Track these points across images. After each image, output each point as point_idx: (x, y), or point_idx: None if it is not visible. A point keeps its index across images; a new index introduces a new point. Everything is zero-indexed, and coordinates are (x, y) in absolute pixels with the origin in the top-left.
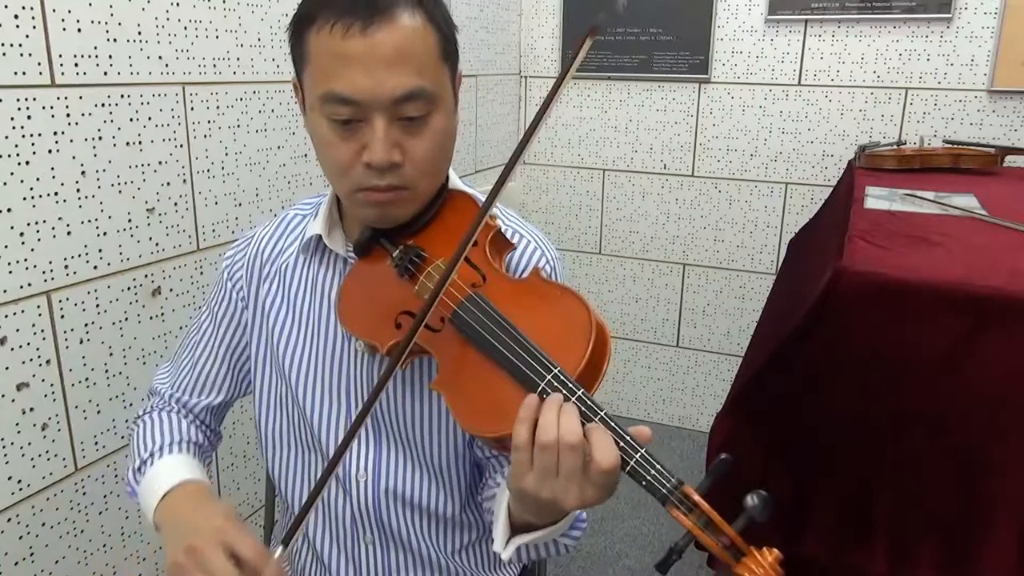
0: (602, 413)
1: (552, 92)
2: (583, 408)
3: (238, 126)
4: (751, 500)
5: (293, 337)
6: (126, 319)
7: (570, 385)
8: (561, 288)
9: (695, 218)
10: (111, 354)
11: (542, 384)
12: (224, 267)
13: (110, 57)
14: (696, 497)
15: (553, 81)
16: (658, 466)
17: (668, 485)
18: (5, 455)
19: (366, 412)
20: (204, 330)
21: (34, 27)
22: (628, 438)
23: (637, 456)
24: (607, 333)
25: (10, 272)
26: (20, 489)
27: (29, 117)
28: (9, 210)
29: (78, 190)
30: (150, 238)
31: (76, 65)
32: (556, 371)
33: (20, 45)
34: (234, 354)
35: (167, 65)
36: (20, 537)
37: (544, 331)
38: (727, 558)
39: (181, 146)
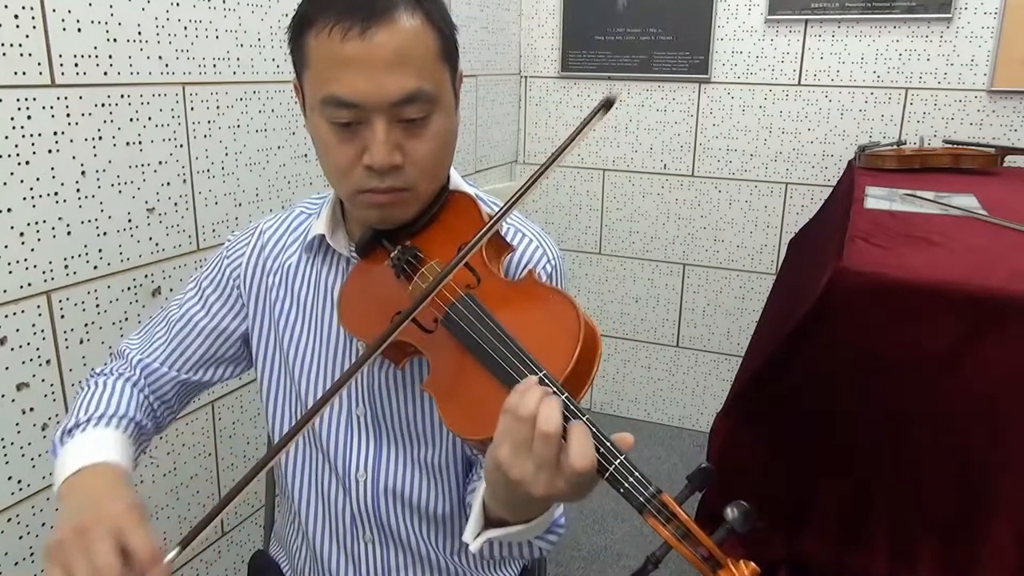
0: (584, 418)
1: (557, 152)
2: (565, 412)
3: (238, 126)
4: (731, 512)
5: (297, 335)
6: (126, 319)
7: (554, 389)
8: (553, 291)
9: (695, 218)
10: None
11: None
12: (224, 253)
13: (110, 57)
14: (674, 507)
15: (553, 82)
16: (637, 474)
17: (646, 494)
18: (5, 455)
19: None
20: (189, 307)
21: (34, 27)
22: (608, 444)
23: (616, 463)
24: (597, 338)
25: (10, 272)
26: (20, 489)
27: (29, 117)
28: (9, 210)
29: (78, 190)
30: (150, 238)
31: (76, 65)
32: (542, 374)
33: (20, 45)
34: (218, 338)
35: (167, 65)
36: (20, 537)
37: (533, 334)
38: (704, 569)
39: (181, 146)
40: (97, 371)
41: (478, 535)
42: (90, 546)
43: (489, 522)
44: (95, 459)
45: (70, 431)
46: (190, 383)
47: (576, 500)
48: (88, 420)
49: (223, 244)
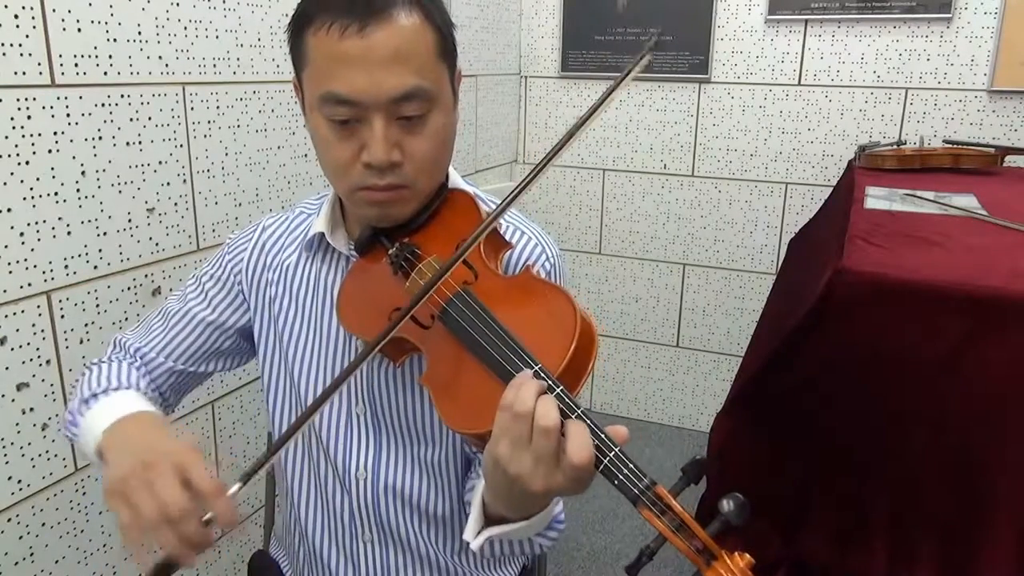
0: (579, 411)
1: (603, 98)
2: (561, 405)
3: (238, 126)
4: (726, 504)
5: (297, 334)
6: (126, 319)
7: (550, 382)
8: (550, 286)
9: (695, 218)
10: None
11: None
12: (226, 249)
13: (110, 57)
14: (669, 499)
15: (553, 82)
16: (631, 465)
17: (640, 485)
18: (5, 455)
19: (342, 380)
20: (189, 300)
21: (34, 27)
22: (603, 436)
23: (611, 455)
24: (594, 332)
25: (10, 272)
26: (20, 489)
27: (29, 117)
28: (9, 210)
29: (78, 190)
30: (150, 238)
31: (76, 65)
32: (537, 368)
33: (20, 45)
34: (215, 330)
35: (167, 65)
36: (20, 537)
37: (529, 329)
38: (699, 561)
39: (181, 146)
40: (95, 360)
41: (478, 533)
42: (155, 481)
43: (489, 520)
44: (130, 410)
45: (87, 401)
46: (186, 373)
47: (575, 493)
48: (103, 391)
49: (225, 243)
